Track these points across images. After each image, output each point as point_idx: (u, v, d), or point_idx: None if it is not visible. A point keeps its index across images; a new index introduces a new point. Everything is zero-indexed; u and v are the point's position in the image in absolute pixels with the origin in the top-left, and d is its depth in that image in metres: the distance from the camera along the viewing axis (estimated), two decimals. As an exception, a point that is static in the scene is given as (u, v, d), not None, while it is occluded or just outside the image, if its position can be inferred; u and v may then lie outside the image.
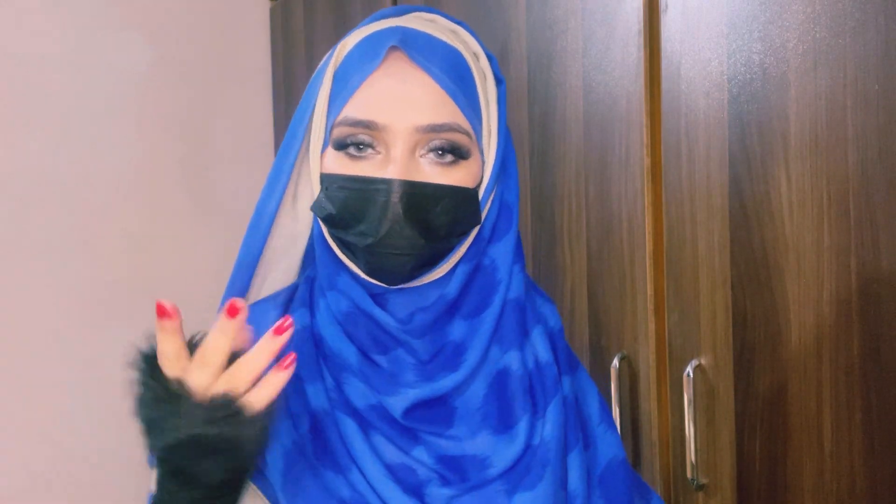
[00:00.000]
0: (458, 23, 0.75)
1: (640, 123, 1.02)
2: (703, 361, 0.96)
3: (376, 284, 0.70)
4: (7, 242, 1.85)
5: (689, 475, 0.97)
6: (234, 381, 0.59)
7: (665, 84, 0.99)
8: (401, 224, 0.66)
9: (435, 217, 0.67)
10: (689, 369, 0.96)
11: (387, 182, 0.66)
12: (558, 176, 1.17)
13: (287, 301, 0.76)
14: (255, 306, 0.76)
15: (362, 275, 0.70)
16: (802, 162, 0.83)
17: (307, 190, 0.76)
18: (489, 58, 0.74)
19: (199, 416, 0.57)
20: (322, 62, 0.75)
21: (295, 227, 0.78)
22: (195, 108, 2.06)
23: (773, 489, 0.89)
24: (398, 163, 0.66)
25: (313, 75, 0.75)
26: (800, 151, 0.83)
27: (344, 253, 0.71)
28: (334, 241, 0.71)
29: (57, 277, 1.89)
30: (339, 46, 0.72)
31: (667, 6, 0.98)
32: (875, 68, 0.76)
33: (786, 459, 0.87)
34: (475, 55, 0.74)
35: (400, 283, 0.70)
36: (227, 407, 0.58)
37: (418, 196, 0.66)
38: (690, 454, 0.97)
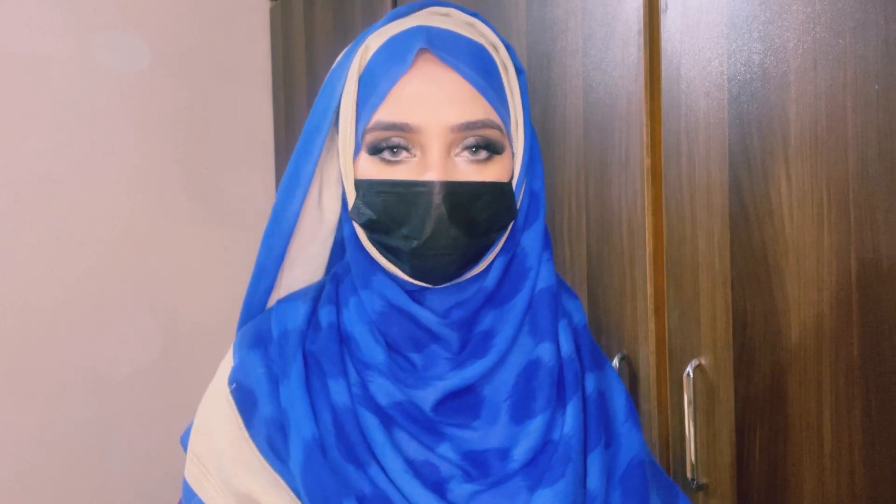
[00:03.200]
0: (474, 14, 0.74)
1: (640, 123, 1.02)
2: (703, 361, 0.96)
3: (416, 284, 0.71)
4: (6, 242, 1.85)
5: (689, 475, 0.97)
6: None
7: (665, 84, 0.99)
8: (445, 225, 0.66)
9: (476, 214, 0.67)
10: (689, 369, 0.96)
11: (428, 185, 0.66)
12: (558, 176, 1.17)
13: (316, 297, 0.77)
14: (284, 301, 0.77)
15: (402, 276, 0.70)
16: (802, 162, 0.83)
17: (332, 192, 0.76)
18: (507, 48, 0.74)
19: None
20: (340, 62, 0.74)
21: (319, 229, 0.78)
22: (195, 107, 2.06)
23: (773, 489, 0.89)
24: (437, 164, 0.66)
25: (330, 75, 0.74)
26: (800, 151, 0.83)
27: (385, 256, 0.71)
28: (374, 244, 0.71)
29: (56, 277, 1.89)
30: (361, 49, 0.71)
31: (667, 6, 0.98)
32: (875, 68, 0.76)
33: (786, 459, 0.87)
34: (494, 47, 0.73)
35: (444, 283, 0.70)
36: None
37: (459, 196, 0.66)
38: (690, 454, 0.97)
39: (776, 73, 0.85)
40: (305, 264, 0.79)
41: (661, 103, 0.99)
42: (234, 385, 0.73)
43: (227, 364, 0.76)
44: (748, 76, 0.88)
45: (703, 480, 0.97)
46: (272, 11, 2.17)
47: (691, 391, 0.96)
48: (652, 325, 1.03)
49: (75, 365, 1.90)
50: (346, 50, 0.75)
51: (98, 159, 1.94)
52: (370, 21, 0.77)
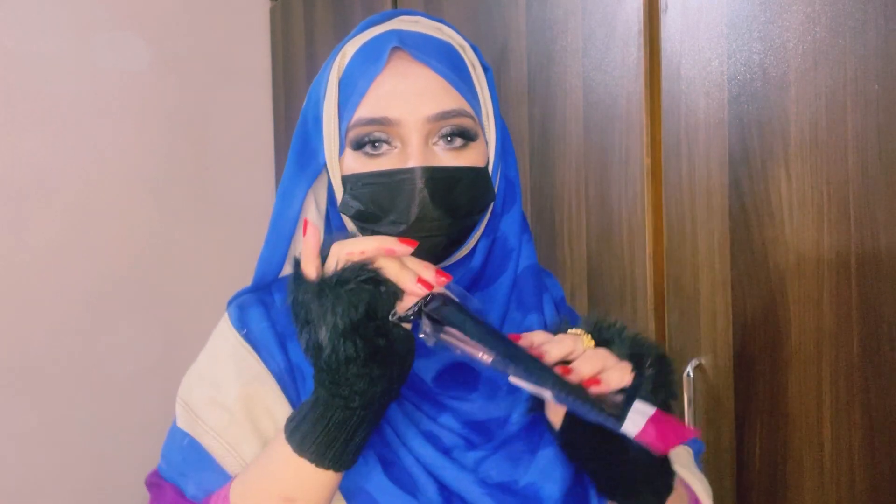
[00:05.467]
0: (439, 20, 0.79)
1: (640, 123, 1.02)
2: (703, 361, 0.96)
3: None
4: (7, 242, 1.85)
5: (689, 475, 0.97)
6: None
7: (665, 84, 0.99)
8: (429, 207, 0.70)
9: (457, 197, 0.71)
10: (689, 369, 0.96)
11: (410, 171, 0.70)
12: (558, 176, 1.17)
13: None
14: (285, 278, 0.79)
15: None
16: (802, 162, 0.83)
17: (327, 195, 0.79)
18: (473, 48, 0.79)
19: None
20: (321, 72, 0.78)
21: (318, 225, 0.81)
22: (195, 108, 2.06)
23: (773, 489, 0.89)
24: (417, 152, 0.70)
25: (313, 85, 0.78)
26: (800, 151, 0.83)
27: None
28: (364, 233, 0.74)
29: (56, 276, 1.89)
30: (338, 55, 0.76)
31: (667, 6, 0.98)
32: (875, 68, 0.76)
33: (786, 459, 0.87)
34: (462, 47, 0.78)
35: (434, 264, 0.72)
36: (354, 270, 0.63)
37: (440, 180, 0.70)
38: (690, 454, 0.97)
39: (776, 73, 0.85)
40: None
41: (661, 103, 0.99)
42: (245, 331, 0.76)
43: (224, 325, 0.78)
44: (748, 76, 0.88)
45: (703, 480, 0.97)
46: (272, 11, 2.17)
47: (691, 391, 0.96)
48: (652, 325, 1.03)
49: (75, 365, 1.90)
50: (327, 60, 0.79)
51: (98, 159, 1.94)
52: (370, 21, 0.79)
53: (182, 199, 2.04)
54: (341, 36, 0.78)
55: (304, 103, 0.78)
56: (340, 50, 0.76)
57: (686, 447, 0.82)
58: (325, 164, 0.76)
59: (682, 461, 0.78)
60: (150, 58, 1.99)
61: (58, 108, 1.90)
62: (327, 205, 0.79)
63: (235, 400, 0.72)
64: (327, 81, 0.75)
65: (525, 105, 1.22)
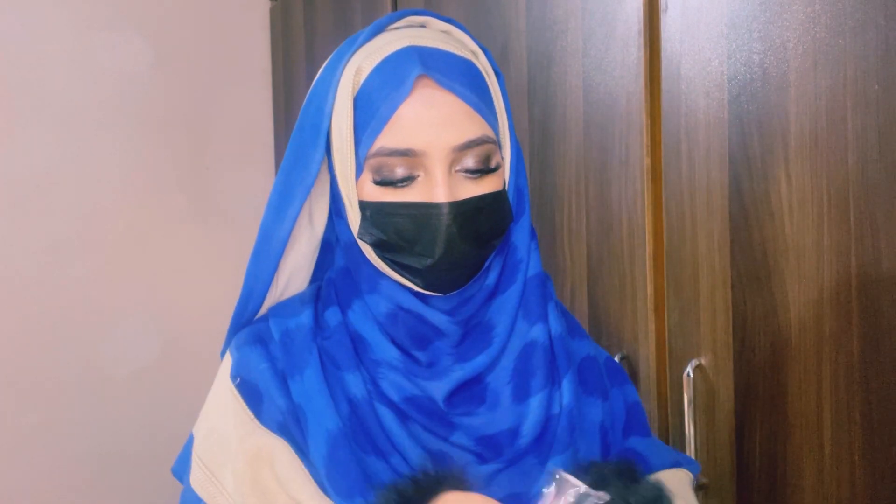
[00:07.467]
0: (449, 21, 0.77)
1: (640, 123, 1.02)
2: (703, 361, 0.96)
3: (425, 292, 0.73)
4: (6, 241, 1.85)
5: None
6: None
7: (665, 84, 0.99)
8: (456, 241, 0.69)
9: (481, 226, 0.71)
10: (689, 369, 0.96)
11: (437, 206, 0.69)
12: (558, 176, 1.17)
13: (313, 300, 0.78)
14: (279, 307, 0.79)
15: (414, 287, 0.73)
16: (802, 162, 0.83)
17: (321, 206, 0.78)
18: (484, 52, 0.76)
19: None
20: (324, 78, 0.74)
21: (310, 244, 0.80)
22: (195, 108, 2.06)
23: (773, 489, 0.89)
24: (443, 185, 0.69)
25: (316, 92, 0.75)
26: (800, 151, 0.83)
27: (395, 270, 0.73)
28: (383, 260, 0.73)
29: (56, 276, 1.89)
30: (351, 69, 0.72)
31: (667, 6, 0.98)
32: (875, 68, 0.76)
33: (786, 459, 0.87)
34: (474, 54, 0.76)
35: (454, 291, 0.73)
36: None
37: (467, 213, 0.70)
38: (690, 454, 0.97)
39: (776, 73, 0.85)
40: (292, 276, 0.81)
41: (661, 103, 0.99)
42: (238, 380, 0.74)
43: (224, 369, 0.77)
44: (748, 76, 0.88)
45: (703, 480, 0.97)
46: (272, 11, 2.17)
47: (691, 391, 0.96)
48: (652, 325, 1.03)
49: (75, 365, 1.90)
50: (326, 64, 0.76)
51: (98, 159, 1.94)
52: (370, 21, 0.77)
53: (182, 198, 2.04)
54: (341, 36, 0.76)
55: (303, 110, 0.76)
56: (349, 60, 0.73)
57: (685, 470, 0.82)
58: (316, 176, 0.74)
59: (678, 489, 0.77)
60: (150, 58, 1.99)
61: (58, 108, 1.90)
62: (332, 216, 0.78)
63: (238, 457, 0.71)
64: (336, 95, 0.72)
65: (525, 105, 1.22)
